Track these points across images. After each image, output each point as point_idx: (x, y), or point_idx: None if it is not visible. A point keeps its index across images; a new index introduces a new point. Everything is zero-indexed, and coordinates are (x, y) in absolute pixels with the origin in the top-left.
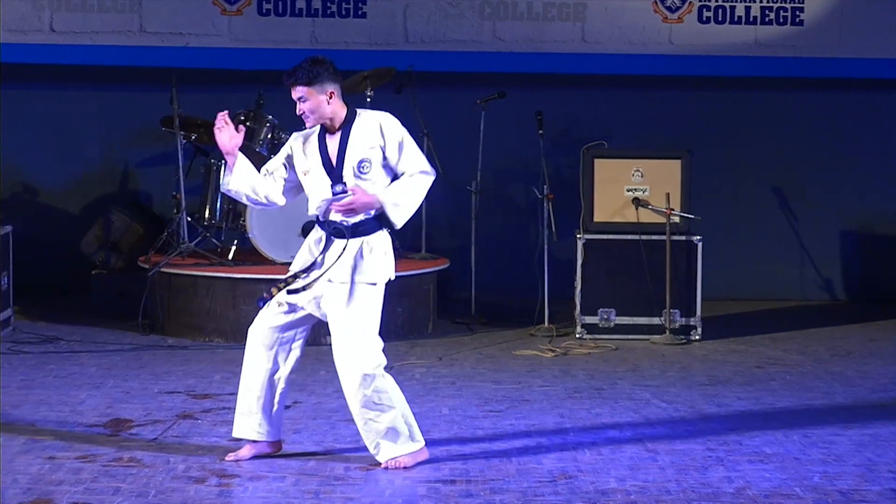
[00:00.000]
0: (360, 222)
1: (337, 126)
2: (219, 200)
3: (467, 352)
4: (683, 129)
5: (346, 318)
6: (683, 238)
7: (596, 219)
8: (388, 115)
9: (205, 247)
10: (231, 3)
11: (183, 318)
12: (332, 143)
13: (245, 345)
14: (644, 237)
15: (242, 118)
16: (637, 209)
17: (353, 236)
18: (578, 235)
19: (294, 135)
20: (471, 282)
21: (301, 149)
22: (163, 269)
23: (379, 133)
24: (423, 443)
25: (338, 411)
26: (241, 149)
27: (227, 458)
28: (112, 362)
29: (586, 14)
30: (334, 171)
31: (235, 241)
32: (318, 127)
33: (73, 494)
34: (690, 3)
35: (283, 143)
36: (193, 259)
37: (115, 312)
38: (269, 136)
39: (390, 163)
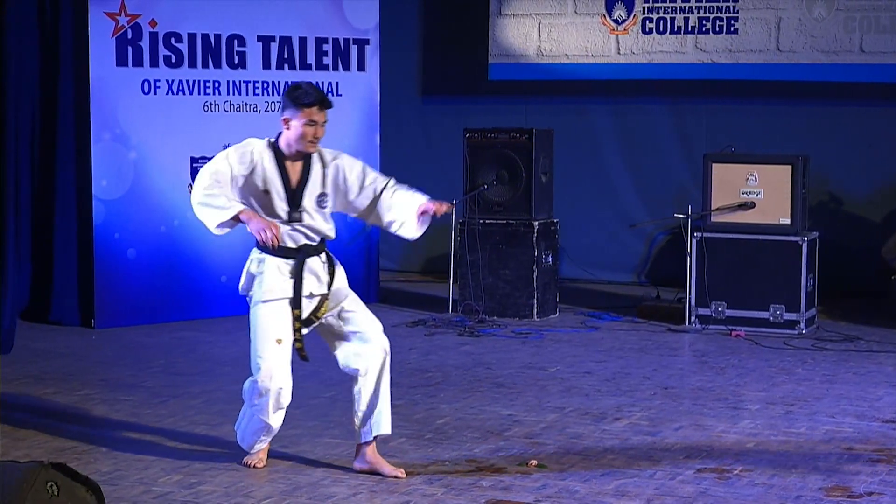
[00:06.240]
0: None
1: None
2: None
3: None
4: None
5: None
6: None
7: None
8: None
9: None
10: None
11: None
12: (294, 170)
13: None
14: None
15: None
16: None
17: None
18: None
19: (252, 149)
20: None
21: (261, 166)
22: None
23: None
24: None
25: None
26: None
27: None
28: None
29: None
30: (294, 198)
31: None
32: (266, 150)
33: (868, 485)
34: None
35: None
36: None
37: None
38: None
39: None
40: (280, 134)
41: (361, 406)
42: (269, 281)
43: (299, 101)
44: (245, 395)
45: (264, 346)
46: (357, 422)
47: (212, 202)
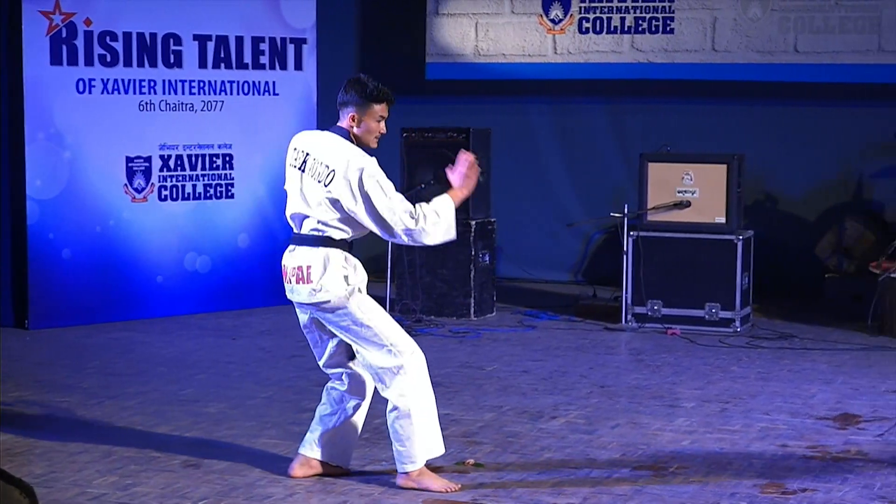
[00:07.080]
0: None
1: None
2: None
3: None
4: None
5: None
6: None
7: None
8: None
9: None
10: None
11: None
12: None
13: None
14: None
15: None
16: None
17: None
18: None
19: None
20: None
21: None
22: (893, 276)
23: None
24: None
25: None
26: None
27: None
28: (842, 360)
29: None
30: None
31: None
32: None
33: (802, 481)
34: None
35: None
36: None
37: (846, 314)
38: None
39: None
40: (347, 134)
41: (349, 429)
42: (362, 271)
43: (373, 97)
44: (400, 406)
45: (396, 330)
46: (327, 436)
47: (442, 219)
